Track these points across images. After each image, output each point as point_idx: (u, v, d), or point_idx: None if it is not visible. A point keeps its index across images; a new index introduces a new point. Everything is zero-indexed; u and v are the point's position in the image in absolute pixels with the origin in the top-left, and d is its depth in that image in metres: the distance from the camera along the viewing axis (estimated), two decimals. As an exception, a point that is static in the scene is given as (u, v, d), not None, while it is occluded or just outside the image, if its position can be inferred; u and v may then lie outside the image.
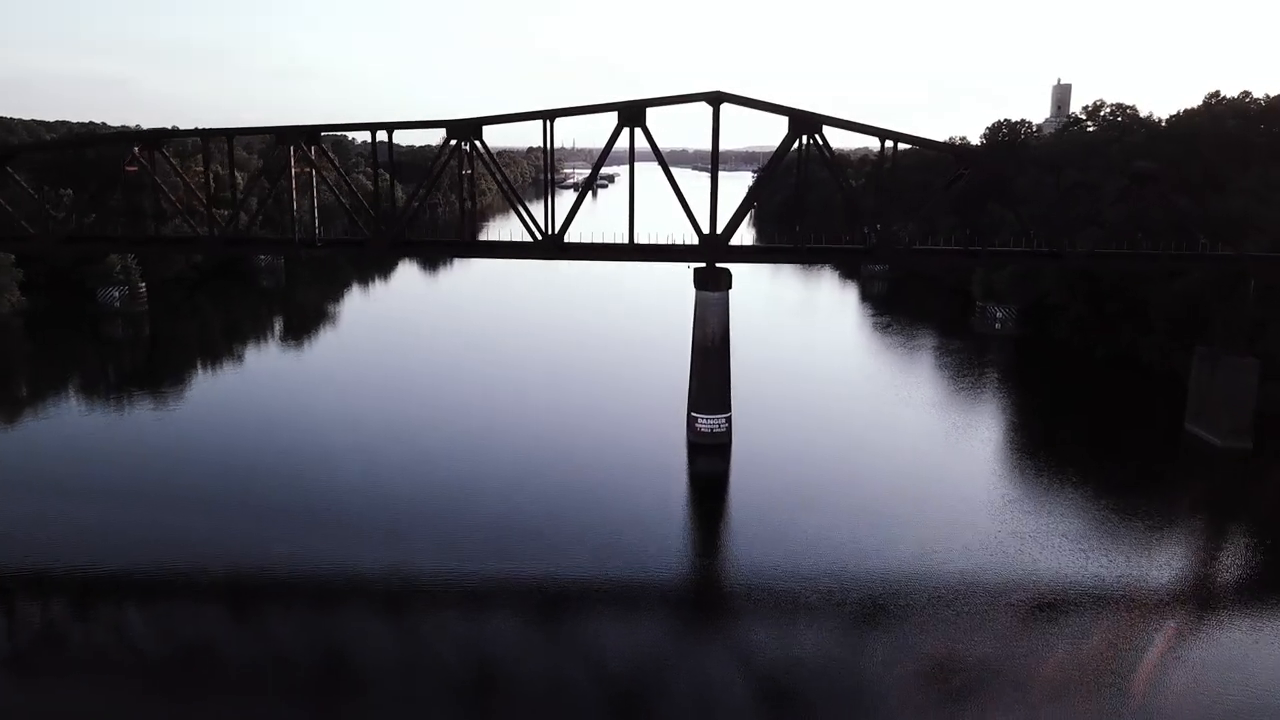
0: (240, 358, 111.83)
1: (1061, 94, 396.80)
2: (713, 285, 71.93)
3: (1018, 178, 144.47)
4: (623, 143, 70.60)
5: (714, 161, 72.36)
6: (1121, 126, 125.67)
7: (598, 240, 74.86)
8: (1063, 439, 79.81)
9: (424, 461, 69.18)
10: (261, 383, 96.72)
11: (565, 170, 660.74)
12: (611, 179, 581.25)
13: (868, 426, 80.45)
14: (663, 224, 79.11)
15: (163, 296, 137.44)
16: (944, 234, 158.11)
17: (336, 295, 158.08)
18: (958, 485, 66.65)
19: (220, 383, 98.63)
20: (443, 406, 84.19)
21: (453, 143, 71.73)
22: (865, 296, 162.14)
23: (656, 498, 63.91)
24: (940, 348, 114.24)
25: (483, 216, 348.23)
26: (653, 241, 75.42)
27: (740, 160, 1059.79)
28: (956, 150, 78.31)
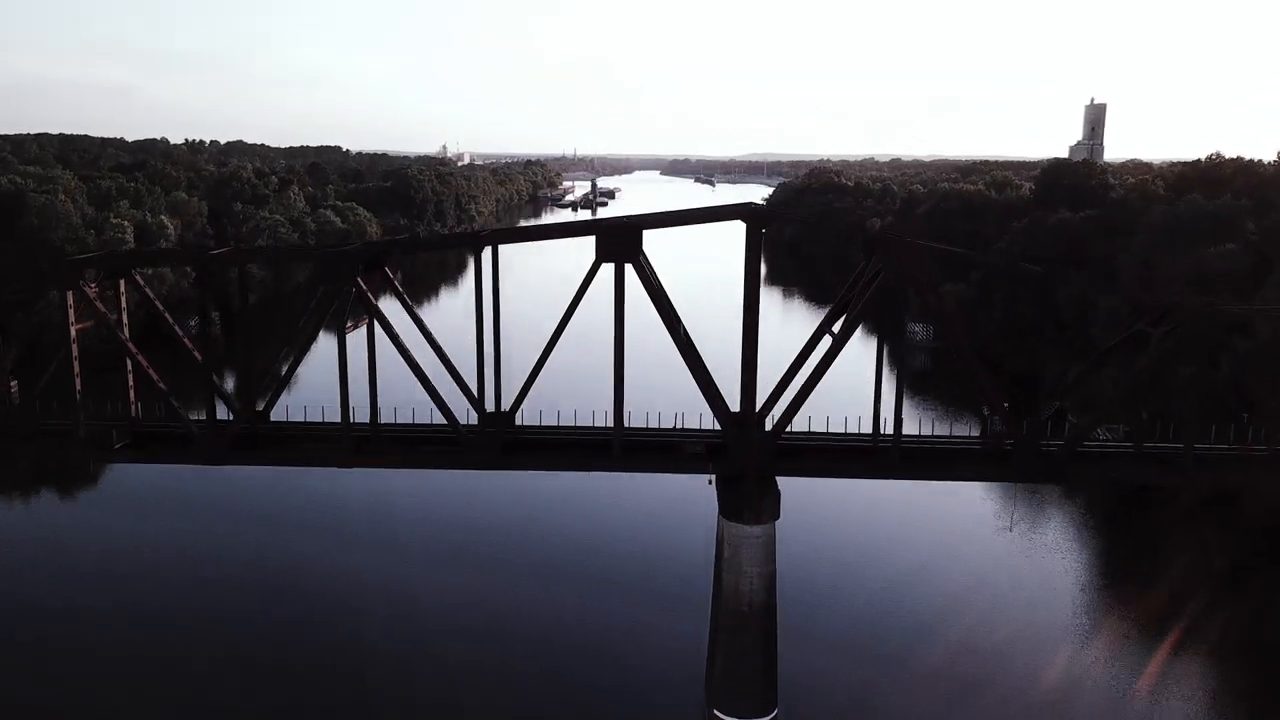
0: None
1: (1095, 114, 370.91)
2: (750, 513, 44.69)
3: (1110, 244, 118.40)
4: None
5: (751, 308, 45.19)
6: (1257, 193, 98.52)
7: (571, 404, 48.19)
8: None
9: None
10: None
11: (564, 185, 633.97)
12: (612, 194, 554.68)
13: (980, 685, 53.05)
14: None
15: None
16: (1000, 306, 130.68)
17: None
18: None
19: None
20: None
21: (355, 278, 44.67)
22: (903, 379, 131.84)
23: None
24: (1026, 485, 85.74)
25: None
26: (652, 412, 48.76)
27: (744, 170, 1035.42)
28: (1139, 297, 49.36)
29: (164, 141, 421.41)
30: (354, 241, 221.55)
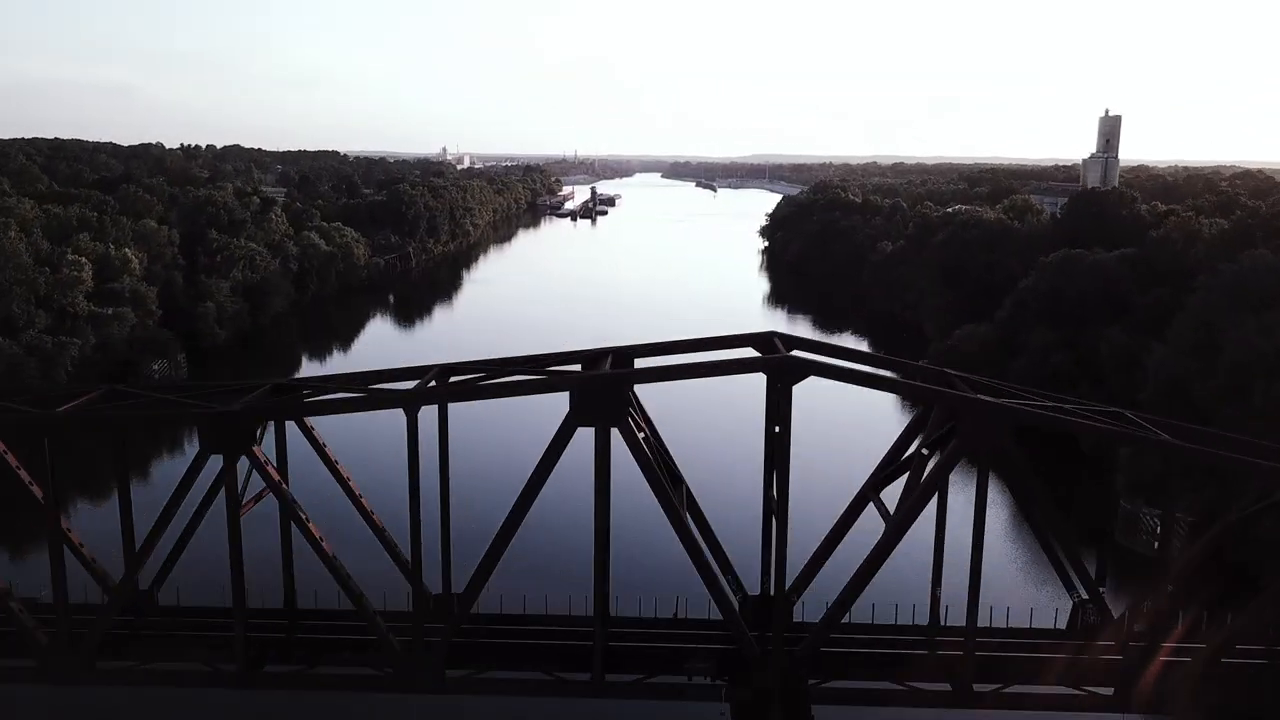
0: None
1: (1110, 126, 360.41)
2: (775, 759, 33.86)
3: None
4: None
5: (779, 478, 34.41)
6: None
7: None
8: None
9: None
10: None
11: (564, 191, 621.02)
12: (612, 202, 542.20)
13: None
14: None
15: None
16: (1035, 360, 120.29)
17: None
18: None
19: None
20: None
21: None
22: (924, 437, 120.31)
23: None
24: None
25: (459, 261, 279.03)
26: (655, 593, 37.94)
27: (746, 173, 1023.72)
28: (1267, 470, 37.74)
29: (159, 146, 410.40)
30: (339, 264, 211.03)
